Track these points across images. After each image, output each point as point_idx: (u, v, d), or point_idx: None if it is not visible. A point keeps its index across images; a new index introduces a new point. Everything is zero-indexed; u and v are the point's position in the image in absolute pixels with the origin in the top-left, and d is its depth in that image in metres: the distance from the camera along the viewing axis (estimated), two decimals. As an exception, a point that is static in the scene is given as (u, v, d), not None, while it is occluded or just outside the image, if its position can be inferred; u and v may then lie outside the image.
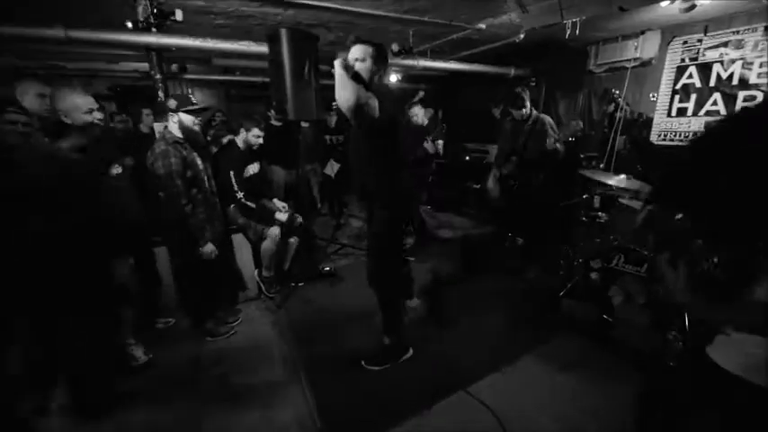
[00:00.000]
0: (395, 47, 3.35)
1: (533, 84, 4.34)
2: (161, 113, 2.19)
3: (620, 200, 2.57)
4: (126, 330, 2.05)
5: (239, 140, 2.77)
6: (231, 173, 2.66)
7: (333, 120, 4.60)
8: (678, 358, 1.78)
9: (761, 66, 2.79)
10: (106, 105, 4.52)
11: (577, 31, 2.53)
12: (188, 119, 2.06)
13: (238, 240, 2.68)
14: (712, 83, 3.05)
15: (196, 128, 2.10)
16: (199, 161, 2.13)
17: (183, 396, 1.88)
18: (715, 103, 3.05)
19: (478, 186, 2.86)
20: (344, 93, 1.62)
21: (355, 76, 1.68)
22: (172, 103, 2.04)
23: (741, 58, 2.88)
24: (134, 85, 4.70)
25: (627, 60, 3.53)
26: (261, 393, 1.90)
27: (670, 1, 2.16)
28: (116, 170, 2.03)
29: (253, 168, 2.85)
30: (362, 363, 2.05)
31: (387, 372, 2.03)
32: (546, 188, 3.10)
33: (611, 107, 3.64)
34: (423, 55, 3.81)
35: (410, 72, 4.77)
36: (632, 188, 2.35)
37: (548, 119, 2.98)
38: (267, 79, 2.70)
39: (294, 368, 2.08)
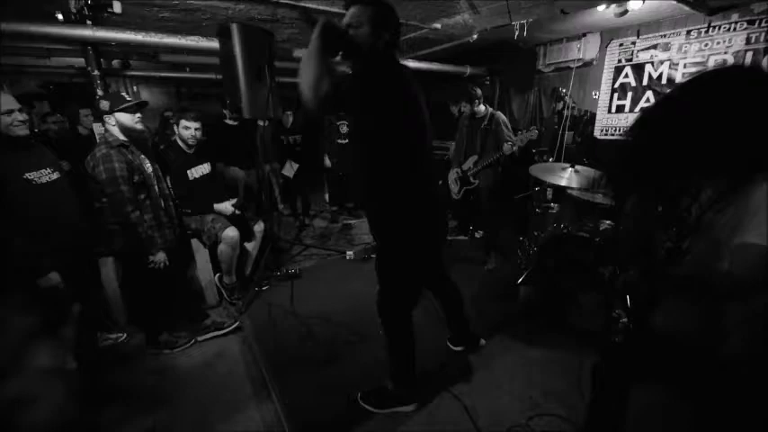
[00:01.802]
0: (352, 45, 3.33)
1: (488, 82, 4.51)
2: (96, 118, 2.03)
3: (570, 191, 2.74)
4: (64, 353, 1.87)
5: (177, 139, 2.56)
6: (167, 177, 2.43)
7: (289, 119, 4.51)
8: (622, 334, 1.94)
9: (684, 66, 3.10)
10: (37, 105, 4.13)
11: (525, 33, 2.66)
12: (127, 118, 1.91)
13: (194, 246, 2.55)
14: (645, 82, 3.34)
15: (138, 126, 1.95)
16: (147, 164, 2.01)
17: (139, 415, 1.76)
18: (648, 100, 3.34)
19: (440, 183, 2.94)
20: (306, 70, 1.24)
21: (344, 46, 1.32)
22: (104, 105, 1.89)
23: (668, 60, 3.18)
24: (70, 83, 4.31)
25: (571, 61, 3.77)
26: (224, 407, 1.83)
27: (606, 6, 2.34)
28: (49, 176, 1.77)
29: (201, 170, 2.65)
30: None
31: (349, 372, 2.02)
32: (500, 183, 3.25)
33: (560, 105, 3.88)
34: (381, 53, 3.83)
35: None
36: (580, 181, 2.52)
37: (502, 117, 3.12)
38: (220, 76, 2.58)
39: (259, 376, 2.02)
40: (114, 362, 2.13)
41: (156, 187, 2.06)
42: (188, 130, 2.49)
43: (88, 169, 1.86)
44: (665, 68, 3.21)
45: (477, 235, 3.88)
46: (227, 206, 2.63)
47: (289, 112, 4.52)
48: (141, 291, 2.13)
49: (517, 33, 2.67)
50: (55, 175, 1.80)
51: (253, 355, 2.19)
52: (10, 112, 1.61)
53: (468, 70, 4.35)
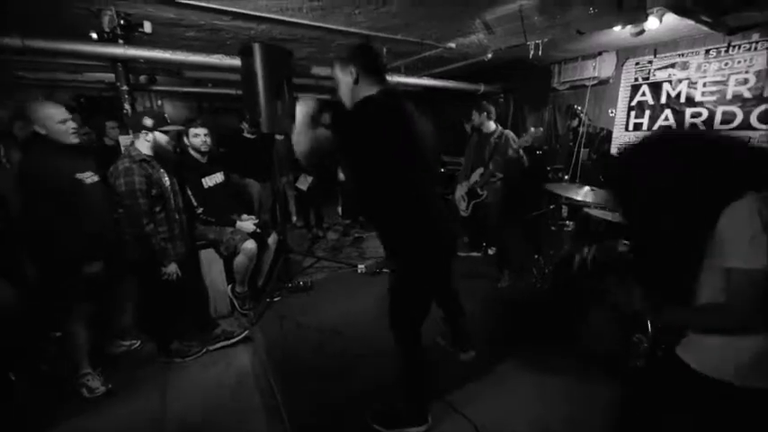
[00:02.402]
0: (369, 63, 3.42)
1: (501, 99, 4.53)
2: (132, 128, 2.13)
3: (585, 209, 2.70)
4: (80, 356, 1.91)
5: (190, 149, 2.64)
6: (186, 187, 2.52)
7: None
8: (643, 359, 1.86)
9: (704, 85, 3.06)
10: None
11: (540, 52, 2.68)
12: (163, 138, 2.04)
13: (209, 257, 2.59)
14: (663, 100, 3.31)
15: (170, 148, 2.08)
16: (166, 178, 2.09)
17: (147, 429, 1.77)
18: (666, 118, 3.30)
19: (449, 197, 2.95)
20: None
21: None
22: (148, 122, 2.00)
23: (687, 78, 3.15)
24: (99, 96, 4.52)
25: (587, 79, 3.77)
26: (231, 417, 1.82)
27: (621, 26, 2.35)
28: (92, 179, 1.91)
29: (215, 179, 2.72)
30: (368, 417, 1.72)
31: (362, 386, 2.00)
32: (514, 200, 3.22)
33: (575, 122, 3.86)
34: (397, 71, 3.91)
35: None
36: (596, 199, 2.48)
37: (511, 135, 3.13)
38: (240, 92, 2.67)
39: (268, 387, 2.01)
40: (127, 367, 2.15)
41: (173, 201, 2.13)
42: (198, 137, 2.57)
43: (110, 180, 1.95)
44: (683, 87, 3.17)
45: (490, 251, 3.83)
46: (249, 225, 2.70)
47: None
48: (153, 300, 2.17)
49: (532, 53, 2.69)
50: (96, 178, 1.94)
51: (262, 365, 2.19)
52: (65, 120, 1.79)
53: (483, 88, 4.39)
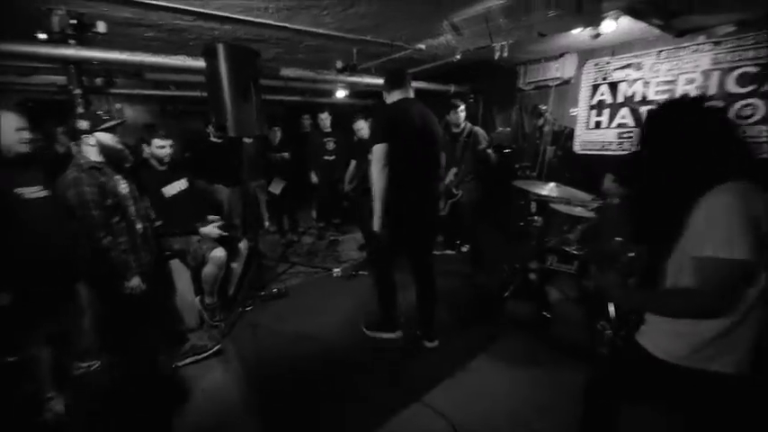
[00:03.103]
0: (339, 64, 3.40)
1: (472, 100, 4.63)
2: (70, 135, 1.98)
3: (552, 205, 2.80)
4: (43, 379, 1.78)
5: (151, 159, 2.51)
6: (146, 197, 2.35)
7: (277, 136, 4.51)
8: (607, 346, 1.95)
9: (656, 84, 3.25)
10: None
11: (505, 54, 2.76)
12: (109, 138, 1.87)
13: (175, 267, 2.48)
14: (620, 99, 3.48)
15: (119, 146, 1.91)
16: (123, 185, 1.95)
17: None
18: (624, 116, 3.47)
19: (444, 213, 2.99)
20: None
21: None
22: (83, 124, 1.84)
23: (641, 78, 3.33)
24: (50, 100, 4.23)
25: (550, 79, 3.91)
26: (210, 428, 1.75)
27: (581, 28, 2.45)
28: (37, 194, 1.74)
29: (178, 186, 2.59)
30: (362, 325, 2.47)
31: (340, 391, 1.98)
32: (485, 197, 3.30)
33: (541, 121, 4.00)
34: (367, 72, 3.90)
35: (356, 89, 4.86)
36: (561, 195, 2.57)
37: (481, 131, 3.21)
38: (205, 94, 2.58)
39: (242, 402, 1.94)
40: (88, 391, 2.02)
41: (133, 208, 2.00)
42: (163, 149, 2.46)
43: (59, 192, 1.80)
44: (638, 87, 3.35)
45: (463, 249, 3.90)
46: (212, 230, 2.58)
47: (276, 128, 4.53)
48: (116, 317, 2.04)
49: (498, 54, 2.76)
50: (43, 193, 1.77)
51: (236, 380, 2.11)
52: (20, 129, 1.67)
53: (453, 88, 4.46)
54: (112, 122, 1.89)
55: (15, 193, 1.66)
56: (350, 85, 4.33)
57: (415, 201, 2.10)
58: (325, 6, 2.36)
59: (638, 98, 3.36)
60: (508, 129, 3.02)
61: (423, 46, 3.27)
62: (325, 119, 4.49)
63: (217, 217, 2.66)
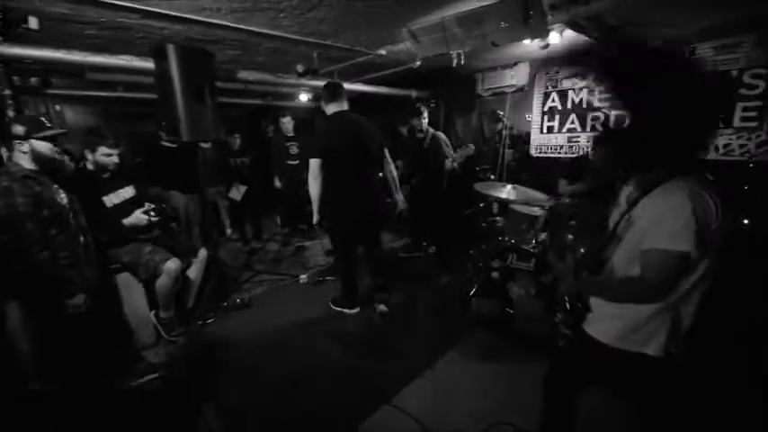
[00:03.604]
0: (299, 68, 3.36)
1: (434, 105, 4.75)
2: (4, 140, 1.78)
3: (511, 206, 2.93)
4: None
5: (90, 165, 2.31)
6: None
7: (236, 142, 4.36)
8: (565, 338, 2.07)
9: (600, 92, 3.51)
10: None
11: (463, 61, 2.86)
12: (44, 147, 1.70)
13: (126, 281, 2.30)
14: (569, 106, 3.73)
15: (57, 156, 1.75)
16: (61, 195, 1.79)
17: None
18: (573, 121, 3.72)
19: (389, 200, 3.02)
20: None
21: None
22: (18, 129, 1.67)
23: (586, 87, 3.59)
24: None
25: (506, 86, 4.11)
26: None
27: (530, 40, 2.60)
28: None
29: (123, 194, 2.39)
30: (330, 303, 2.88)
31: (309, 399, 1.94)
32: (448, 200, 3.40)
33: (499, 126, 4.19)
34: (329, 76, 3.88)
35: (319, 92, 4.81)
36: (519, 196, 2.70)
37: (442, 136, 3.31)
38: (156, 96, 2.44)
39: (204, 410, 1.84)
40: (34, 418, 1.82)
41: (73, 221, 1.84)
42: (110, 157, 2.27)
43: None
44: (584, 94, 3.61)
45: (430, 251, 3.98)
46: (137, 215, 2.30)
47: (236, 135, 4.38)
48: (57, 339, 1.85)
49: (456, 61, 2.85)
50: None
51: (196, 398, 2.00)
52: None
53: (414, 94, 4.55)
54: (53, 131, 1.72)
55: None
56: (312, 89, 4.29)
57: (353, 200, 2.52)
58: (282, 9, 2.32)
59: (584, 105, 3.62)
60: (472, 146, 3.22)
61: (383, 51, 3.32)
62: (288, 123, 4.40)
63: (150, 205, 2.39)
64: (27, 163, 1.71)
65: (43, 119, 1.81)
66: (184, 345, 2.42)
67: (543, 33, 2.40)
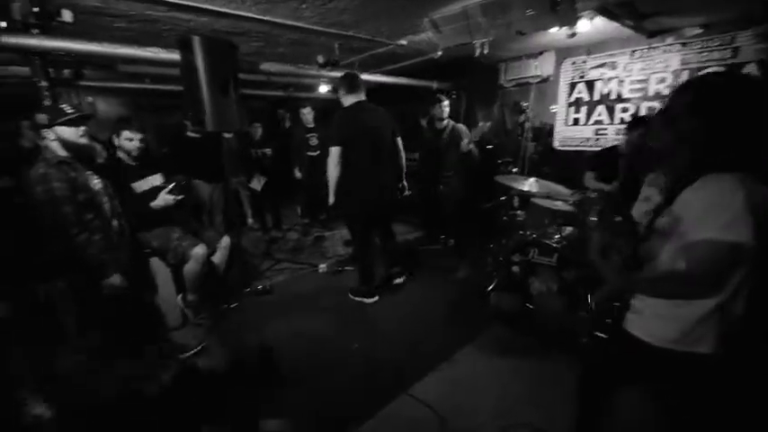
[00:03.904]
0: (320, 59, 3.36)
1: (455, 96, 4.68)
2: (33, 130, 1.86)
3: (533, 199, 2.87)
4: (21, 382, 1.70)
5: (119, 152, 2.37)
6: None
7: (258, 132, 4.43)
8: (590, 336, 2.02)
9: (630, 83, 3.36)
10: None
11: (486, 51, 2.79)
12: (69, 132, 1.76)
13: (155, 265, 2.40)
14: (597, 97, 3.59)
15: (83, 140, 1.81)
16: (95, 180, 1.87)
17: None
18: (600, 113, 3.59)
19: (409, 194, 3.02)
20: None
21: None
22: (41, 118, 1.73)
23: (616, 77, 3.44)
24: (11, 93, 4.00)
25: (530, 77, 3.99)
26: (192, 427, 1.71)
27: (557, 28, 2.51)
28: None
29: (152, 180, 2.44)
30: (348, 293, 2.92)
31: (327, 386, 1.99)
32: (468, 193, 3.36)
33: (522, 117, 4.08)
34: (350, 67, 3.87)
35: (336, 83, 4.81)
36: (542, 190, 2.64)
37: (463, 128, 3.26)
38: (181, 88, 2.50)
39: (226, 397, 1.91)
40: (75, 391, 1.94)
41: (108, 205, 1.92)
42: (132, 141, 2.32)
43: (26, 189, 1.71)
44: (613, 85, 3.46)
45: (448, 244, 3.95)
46: (163, 197, 2.35)
47: (257, 125, 4.44)
48: (95, 317, 1.96)
49: (478, 51, 2.79)
50: None
51: (220, 379, 2.08)
52: None
53: (436, 85, 4.49)
54: (70, 115, 1.77)
55: None
56: (332, 80, 4.29)
57: (369, 187, 2.65)
58: (304, 0, 2.33)
59: (613, 96, 3.47)
60: (489, 123, 3.09)
61: (404, 42, 3.28)
62: (308, 114, 4.42)
63: (168, 186, 2.41)
64: (59, 150, 1.79)
65: (64, 106, 1.86)
66: (209, 328, 2.51)
67: (572, 21, 2.31)
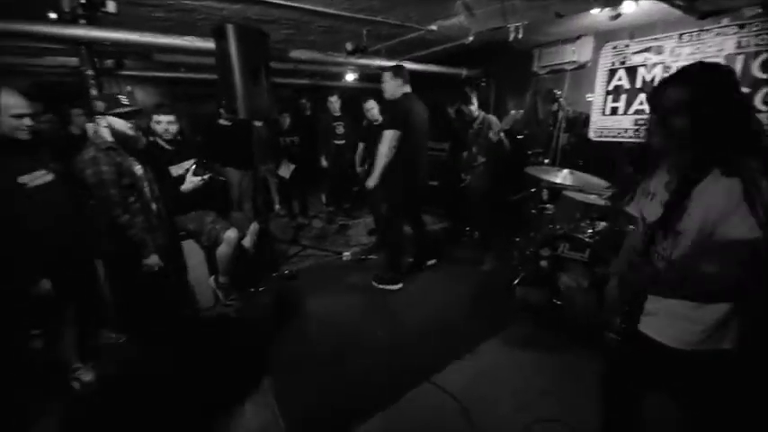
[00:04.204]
0: (349, 46, 3.34)
1: (484, 84, 4.54)
2: (88, 115, 1.99)
3: (564, 192, 2.77)
4: (69, 353, 1.86)
5: (157, 138, 2.47)
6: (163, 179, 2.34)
7: (286, 121, 4.49)
8: (618, 333, 1.95)
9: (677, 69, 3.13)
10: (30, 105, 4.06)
11: (520, 35, 2.68)
12: (120, 123, 1.88)
13: (189, 247, 2.52)
14: (638, 84, 3.37)
15: (131, 132, 1.92)
16: (137, 167, 1.98)
17: (139, 419, 1.74)
18: (641, 102, 3.38)
19: (435, 184, 2.98)
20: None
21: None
22: (99, 105, 1.87)
23: (661, 62, 3.22)
24: (63, 82, 4.25)
25: (566, 63, 3.80)
26: (225, 404, 1.81)
27: (599, 9, 2.37)
28: (43, 179, 1.69)
29: (186, 165, 2.53)
30: (372, 281, 2.95)
31: (351, 369, 2.04)
32: (496, 184, 3.28)
33: (555, 106, 3.91)
34: (378, 54, 3.83)
35: (366, 71, 4.78)
36: (575, 183, 2.54)
37: (494, 119, 3.16)
38: (216, 77, 2.56)
39: (257, 374, 2.01)
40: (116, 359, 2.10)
41: (147, 189, 2.04)
42: (159, 124, 2.41)
43: (77, 171, 1.84)
44: (657, 71, 3.24)
45: (474, 236, 3.89)
46: (190, 179, 2.43)
47: (286, 114, 4.51)
48: (132, 294, 2.10)
49: (513, 36, 2.69)
50: (49, 177, 1.73)
51: (249, 356, 2.18)
52: (20, 116, 1.58)
53: (465, 72, 4.37)
54: (125, 109, 1.89)
55: (18, 183, 1.60)
56: (360, 68, 4.27)
57: (413, 175, 2.79)
58: (336, -15, 2.31)
59: (656, 83, 3.25)
60: (520, 111, 2.99)
61: (434, 27, 3.19)
62: (335, 102, 4.44)
63: (192, 166, 2.50)
64: (108, 136, 1.90)
65: (121, 97, 1.98)
66: (239, 309, 2.62)
67: (616, 1, 2.17)
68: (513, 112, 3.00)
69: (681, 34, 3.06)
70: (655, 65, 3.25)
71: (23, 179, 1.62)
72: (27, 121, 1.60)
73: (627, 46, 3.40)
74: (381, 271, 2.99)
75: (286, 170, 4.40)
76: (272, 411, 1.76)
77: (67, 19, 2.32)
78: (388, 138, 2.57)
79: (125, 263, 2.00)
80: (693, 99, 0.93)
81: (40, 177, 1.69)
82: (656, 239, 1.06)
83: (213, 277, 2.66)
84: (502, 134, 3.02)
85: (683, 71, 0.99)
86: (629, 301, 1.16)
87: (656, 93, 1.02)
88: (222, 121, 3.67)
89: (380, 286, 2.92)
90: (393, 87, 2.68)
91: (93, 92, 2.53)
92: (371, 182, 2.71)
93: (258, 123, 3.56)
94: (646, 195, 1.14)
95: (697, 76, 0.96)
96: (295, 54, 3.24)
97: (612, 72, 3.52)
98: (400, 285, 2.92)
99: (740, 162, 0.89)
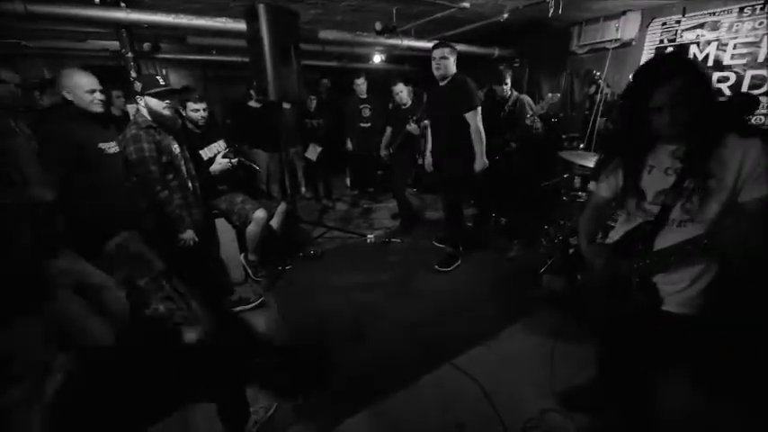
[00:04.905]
0: (378, 25, 3.28)
1: (517, 64, 4.34)
2: (129, 96, 2.12)
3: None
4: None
5: (187, 121, 2.52)
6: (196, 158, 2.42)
7: (313, 103, 4.50)
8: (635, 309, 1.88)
9: (734, 47, 2.87)
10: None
11: (560, 11, 2.53)
12: (155, 103, 1.95)
13: (220, 226, 2.63)
14: (689, 64, 3.12)
15: (166, 112, 1.99)
16: (175, 145, 2.07)
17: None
18: (691, 84, 3.13)
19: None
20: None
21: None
22: (137, 86, 1.96)
23: (716, 40, 2.95)
24: (103, 66, 4.45)
25: (608, 41, 3.55)
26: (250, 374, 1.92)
27: (650, -20, 2.19)
28: (115, 149, 1.99)
29: (216, 147, 2.61)
30: (436, 266, 2.94)
31: (373, 348, 2.09)
32: (527, 169, 3.17)
33: (593, 89, 3.69)
34: (407, 34, 3.74)
35: (394, 52, 4.69)
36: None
37: (527, 99, 3.04)
38: (246, 59, 2.60)
39: (279, 351, 2.10)
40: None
41: (184, 168, 2.12)
42: (197, 112, 2.47)
43: (120, 148, 1.96)
44: (711, 49, 2.98)
45: (501, 222, 3.82)
46: (219, 161, 2.52)
47: (312, 97, 4.52)
48: (170, 267, 2.22)
49: (552, 11, 2.54)
50: (117, 149, 1.99)
51: (278, 329, 2.28)
52: (93, 91, 1.88)
53: (497, 52, 4.20)
54: (160, 88, 1.96)
55: (99, 148, 1.92)
56: (388, 49, 4.18)
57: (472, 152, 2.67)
58: (367, -39, 2.25)
59: (710, 63, 3.00)
60: (558, 95, 2.83)
61: (467, 4, 3.06)
62: (362, 84, 4.38)
63: (222, 150, 2.60)
64: (147, 116, 1.99)
65: (159, 78, 2.05)
66: (267, 285, 2.74)
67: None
68: (549, 95, 2.84)
69: (741, 8, 2.78)
70: (709, 42, 2.99)
71: (102, 145, 1.93)
72: (99, 95, 1.91)
73: (678, 22, 3.14)
74: (445, 256, 2.99)
75: (313, 152, 4.44)
76: (292, 387, 1.84)
77: (109, 2, 2.41)
78: (480, 115, 2.51)
79: (161, 238, 2.10)
80: (688, 86, 0.97)
81: (113, 147, 1.98)
82: (670, 208, 1.07)
83: (243, 255, 2.78)
84: (536, 118, 2.90)
85: (665, 61, 1.04)
86: (637, 272, 1.18)
87: (650, 84, 1.01)
88: (252, 103, 3.73)
89: (446, 269, 2.94)
90: (452, 64, 2.58)
91: (133, 73, 2.65)
92: (479, 165, 2.61)
93: (286, 106, 3.60)
94: (647, 168, 1.13)
95: (680, 63, 1.01)
96: (323, 35, 3.22)
97: (660, 51, 3.27)
98: (459, 262, 3.01)
99: (750, 126, 0.95)
